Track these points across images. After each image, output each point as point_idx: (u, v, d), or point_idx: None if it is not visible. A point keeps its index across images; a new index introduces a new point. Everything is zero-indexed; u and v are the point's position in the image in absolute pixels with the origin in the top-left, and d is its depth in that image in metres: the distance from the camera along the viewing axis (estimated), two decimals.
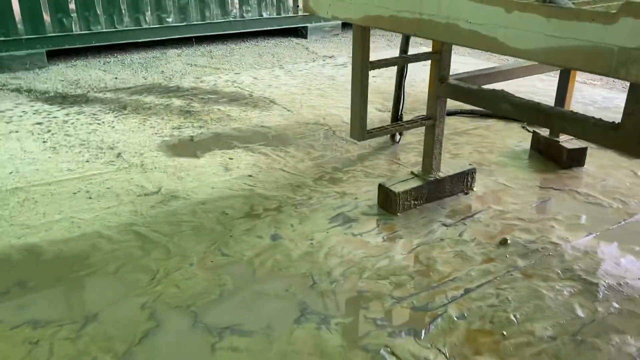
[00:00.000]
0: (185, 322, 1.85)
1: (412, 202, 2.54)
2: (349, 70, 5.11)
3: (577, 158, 2.96)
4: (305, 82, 4.71)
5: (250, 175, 2.92)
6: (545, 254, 2.20)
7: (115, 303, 1.94)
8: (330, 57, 5.61)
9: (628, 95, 1.77)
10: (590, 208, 2.56)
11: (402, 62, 2.57)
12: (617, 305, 1.90)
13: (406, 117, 3.29)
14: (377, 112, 3.87)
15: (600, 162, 3.03)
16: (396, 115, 3.16)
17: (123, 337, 1.78)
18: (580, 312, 1.87)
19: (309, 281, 2.06)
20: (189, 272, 2.11)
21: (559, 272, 2.09)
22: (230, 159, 3.14)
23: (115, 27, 5.37)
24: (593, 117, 1.87)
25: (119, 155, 3.18)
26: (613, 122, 1.83)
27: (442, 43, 2.31)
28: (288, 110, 3.96)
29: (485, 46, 1.44)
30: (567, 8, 1.26)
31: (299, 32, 6.71)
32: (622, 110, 1.76)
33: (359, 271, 2.11)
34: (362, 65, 2.15)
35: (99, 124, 3.67)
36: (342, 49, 6.02)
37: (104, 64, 5.32)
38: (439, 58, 2.34)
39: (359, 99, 2.23)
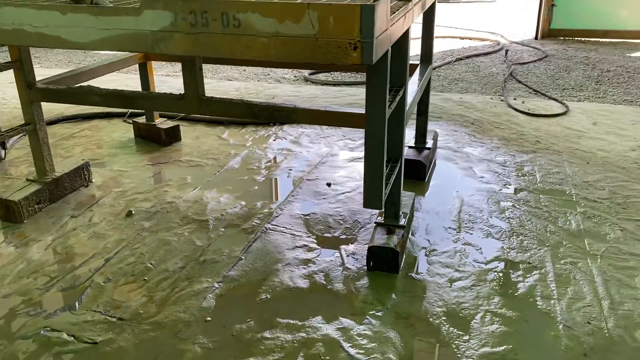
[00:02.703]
0: None
1: (36, 206, 2.63)
2: None
3: (174, 135, 3.53)
4: None
5: None
6: (164, 212, 2.65)
7: None
8: None
9: (183, 73, 2.32)
10: (193, 170, 3.14)
11: None
12: (223, 229, 2.50)
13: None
14: None
15: (193, 134, 3.68)
16: None
17: None
18: (199, 243, 2.39)
19: None
20: None
21: (178, 221, 2.57)
22: None
23: None
24: (165, 93, 2.37)
25: None
26: (180, 93, 2.36)
27: (20, 51, 2.45)
28: None
29: (53, 44, 1.72)
30: (107, 7, 1.64)
31: None
32: None
33: None
34: None
35: None
36: None
37: None
38: (21, 66, 2.47)
39: None
